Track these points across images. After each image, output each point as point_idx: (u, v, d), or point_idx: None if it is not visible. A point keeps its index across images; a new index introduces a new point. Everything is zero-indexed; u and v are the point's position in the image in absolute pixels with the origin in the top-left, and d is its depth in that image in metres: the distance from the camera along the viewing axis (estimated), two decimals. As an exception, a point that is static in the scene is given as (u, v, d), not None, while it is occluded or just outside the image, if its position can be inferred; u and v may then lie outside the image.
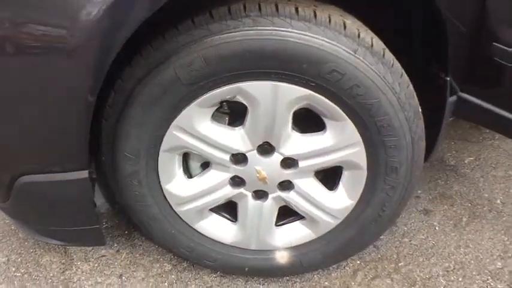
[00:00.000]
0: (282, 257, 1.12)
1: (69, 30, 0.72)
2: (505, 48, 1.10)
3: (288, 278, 1.20)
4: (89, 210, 0.93)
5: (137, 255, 1.22)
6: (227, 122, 0.98)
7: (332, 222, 1.07)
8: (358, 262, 1.26)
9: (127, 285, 1.15)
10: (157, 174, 0.99)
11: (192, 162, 1.04)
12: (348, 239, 1.09)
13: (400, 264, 1.27)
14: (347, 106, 0.89)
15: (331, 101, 0.89)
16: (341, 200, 1.04)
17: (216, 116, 0.97)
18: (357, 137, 0.93)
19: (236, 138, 0.95)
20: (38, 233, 1.01)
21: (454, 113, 1.26)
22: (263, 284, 1.18)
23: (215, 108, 0.93)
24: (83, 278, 1.16)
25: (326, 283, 1.20)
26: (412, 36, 1.11)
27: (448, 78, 1.09)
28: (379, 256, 1.29)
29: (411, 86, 0.91)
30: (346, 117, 0.91)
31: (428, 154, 1.22)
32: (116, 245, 1.24)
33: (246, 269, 1.13)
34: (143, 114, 0.90)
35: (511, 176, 1.65)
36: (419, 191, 1.54)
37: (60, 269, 1.18)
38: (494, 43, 1.10)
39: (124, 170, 0.98)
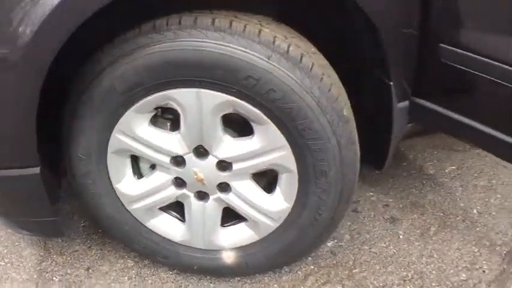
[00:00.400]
0: (228, 257, 1.14)
1: (9, 47, 0.82)
2: (453, 48, 1.06)
3: (239, 278, 1.21)
4: (43, 204, 1.01)
5: (106, 252, 1.30)
6: (169, 127, 1.04)
7: (271, 225, 1.08)
8: (312, 267, 1.25)
9: (92, 277, 1.23)
10: (108, 174, 1.06)
11: (142, 164, 1.11)
12: (288, 242, 1.10)
13: (354, 271, 1.24)
14: (268, 110, 0.92)
15: (253, 105, 0.92)
16: (278, 202, 1.06)
17: (160, 122, 1.03)
18: (282, 140, 0.95)
19: (174, 141, 1.01)
20: (8, 224, 1.11)
21: (412, 119, 1.23)
22: (214, 283, 1.20)
23: (153, 113, 1.00)
24: (56, 269, 1.26)
25: (275, 285, 1.20)
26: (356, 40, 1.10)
27: (391, 83, 1.07)
28: (335, 262, 1.26)
29: (334, 89, 0.93)
30: (269, 121, 0.93)
31: (384, 161, 1.21)
32: (88, 241, 1.33)
33: (195, 267, 1.17)
34: (90, 120, 0.99)
35: (494, 185, 1.56)
36: (389, 200, 1.50)
37: (38, 260, 1.28)
38: (440, 44, 1.08)
39: (79, 169, 1.06)
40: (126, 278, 1.23)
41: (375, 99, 1.15)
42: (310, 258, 1.28)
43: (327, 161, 0.97)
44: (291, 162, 0.98)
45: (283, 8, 1.03)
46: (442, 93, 1.16)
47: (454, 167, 1.65)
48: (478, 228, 1.42)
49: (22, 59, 0.82)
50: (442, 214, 1.47)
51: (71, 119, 1.01)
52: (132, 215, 1.13)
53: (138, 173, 1.11)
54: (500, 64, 1.01)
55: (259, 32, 0.87)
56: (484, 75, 1.05)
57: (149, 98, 0.95)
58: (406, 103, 1.17)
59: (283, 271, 1.24)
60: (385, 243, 1.34)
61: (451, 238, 1.38)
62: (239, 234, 1.13)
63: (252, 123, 0.96)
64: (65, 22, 0.81)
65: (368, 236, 1.37)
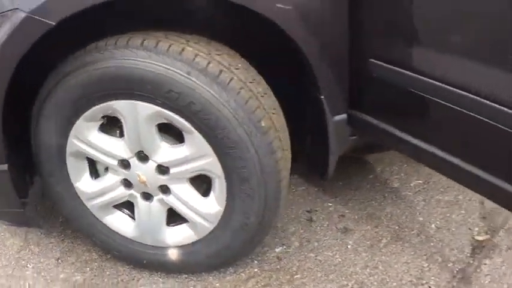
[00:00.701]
0: (172, 254, 1.25)
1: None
2: (381, 63, 1.11)
3: (186, 276, 1.31)
4: (11, 197, 1.17)
5: (76, 245, 1.45)
6: (118, 134, 1.17)
7: (208, 226, 1.18)
8: (256, 270, 1.33)
9: (59, 267, 1.38)
10: (68, 174, 1.21)
11: (98, 165, 1.24)
12: (224, 243, 1.19)
13: (295, 276, 1.30)
14: (192, 121, 1.03)
15: (179, 116, 1.04)
16: (212, 205, 1.15)
17: (110, 129, 1.16)
18: (207, 148, 1.06)
19: (119, 147, 1.15)
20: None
21: (354, 132, 1.27)
22: (163, 278, 1.31)
23: (101, 121, 1.13)
24: (31, 258, 1.43)
25: (218, 284, 1.28)
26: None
27: (322, 97, 1.14)
28: (278, 267, 1.33)
29: (252, 102, 1.03)
30: (195, 130, 1.04)
31: (326, 171, 1.26)
32: (62, 235, 1.49)
33: (144, 261, 1.28)
34: (49, 125, 1.15)
35: (460, 201, 1.56)
36: (346, 211, 1.54)
37: (18, 249, 1.46)
38: (370, 59, 1.13)
39: (44, 169, 1.22)
40: (88, 268, 1.37)
41: (312, 112, 1.22)
42: (256, 261, 1.36)
43: (248, 169, 1.06)
44: (217, 169, 1.09)
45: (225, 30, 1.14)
46: (376, 106, 1.21)
47: (420, 181, 1.66)
48: (432, 243, 1.43)
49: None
50: (397, 227, 1.49)
51: (36, 123, 1.17)
52: (90, 211, 1.27)
53: (95, 174, 1.26)
54: (424, 78, 1.05)
55: (182, 50, 0.99)
56: (411, 89, 1.09)
57: (95, 108, 1.09)
58: (343, 116, 1.23)
59: (228, 271, 1.33)
60: (332, 252, 1.39)
61: (401, 251, 1.40)
62: (182, 234, 1.24)
63: (183, 132, 1.08)
64: (17, 44, 0.98)
65: (317, 244, 1.42)
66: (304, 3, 1.03)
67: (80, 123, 1.13)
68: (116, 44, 1.02)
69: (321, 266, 1.35)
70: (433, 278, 1.33)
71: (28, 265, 1.40)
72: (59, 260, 1.42)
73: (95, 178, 1.24)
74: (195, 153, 1.08)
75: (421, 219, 1.52)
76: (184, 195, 1.17)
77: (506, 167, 1.04)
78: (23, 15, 0.94)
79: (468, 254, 1.41)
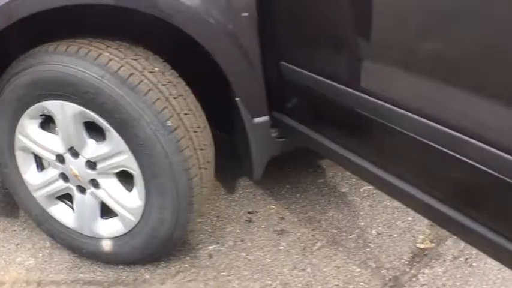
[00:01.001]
0: (106, 245, 1.36)
1: None
2: (291, 66, 1.17)
3: (121, 266, 1.42)
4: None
5: (34, 233, 1.60)
6: (55, 131, 1.30)
7: (133, 220, 1.29)
8: (186, 265, 1.41)
9: (18, 251, 1.54)
10: (17, 166, 1.36)
11: (43, 159, 1.38)
12: (147, 237, 1.30)
13: (222, 273, 1.37)
14: (108, 119, 1.15)
15: (98, 115, 1.16)
16: (135, 200, 1.26)
17: (49, 127, 1.30)
18: (123, 145, 1.17)
19: (56, 143, 1.28)
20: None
21: (281, 134, 1.32)
22: (101, 267, 1.43)
23: (41, 119, 1.27)
24: (-2, 243, 1.59)
25: (148, 276, 1.38)
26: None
27: (238, 99, 1.20)
28: (208, 264, 1.40)
29: (159, 103, 1.13)
30: (111, 128, 1.16)
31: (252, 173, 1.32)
32: (25, 224, 1.65)
33: (83, 250, 1.40)
34: (1, 121, 1.29)
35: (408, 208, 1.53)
36: (287, 213, 1.59)
37: (-10, 235, 1.64)
38: (281, 62, 1.18)
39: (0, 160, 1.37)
40: (40, 254, 1.51)
41: (234, 114, 1.29)
42: (188, 257, 1.44)
43: (158, 165, 1.16)
44: (134, 165, 1.19)
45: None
46: (293, 109, 1.26)
47: (370, 187, 1.66)
48: (368, 249, 1.44)
49: None
50: (335, 231, 1.51)
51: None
52: (37, 201, 1.41)
53: (41, 166, 1.40)
54: (327, 81, 1.10)
55: (98, 55, 1.12)
56: (318, 91, 1.14)
57: (33, 107, 1.24)
58: (265, 118, 1.29)
59: (160, 265, 1.42)
60: (263, 252, 1.44)
61: (334, 255, 1.43)
62: (113, 226, 1.35)
63: (104, 130, 1.19)
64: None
65: (250, 244, 1.48)
66: (206, 6, 1.11)
67: (24, 120, 1.28)
68: (46, 51, 1.17)
69: (249, 265, 1.41)
70: (361, 284, 1.34)
71: (-10, 249, 1.60)
72: (18, 246, 1.57)
73: (41, 171, 1.40)
74: (113, 149, 1.20)
75: (362, 224, 1.54)
76: (112, 190, 1.29)
77: (423, 176, 1.06)
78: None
79: (406, 262, 1.41)
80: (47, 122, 1.32)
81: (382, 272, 1.38)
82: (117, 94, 1.11)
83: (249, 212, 1.63)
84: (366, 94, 1.04)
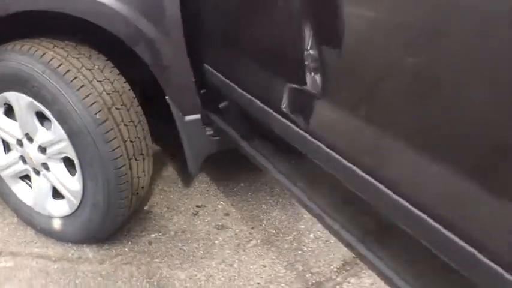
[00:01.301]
0: (56, 224, 1.53)
1: None
2: (211, 69, 1.28)
3: (69, 245, 1.59)
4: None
5: (6, 210, 1.78)
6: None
7: (75, 202, 1.46)
8: (126, 249, 1.57)
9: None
10: None
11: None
12: (85, 219, 1.47)
13: (155, 260, 1.51)
14: (50, 110, 1.34)
15: (42, 105, 1.34)
16: (76, 184, 1.44)
17: (13, 115, 1.50)
18: (62, 133, 1.34)
19: (16, 128, 1.47)
20: None
21: (216, 132, 1.43)
22: (53, 243, 1.60)
23: (4, 107, 1.47)
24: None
25: (91, 255, 1.55)
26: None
27: (167, 97, 1.33)
28: (146, 250, 1.55)
29: (89, 98, 1.29)
30: (53, 118, 1.33)
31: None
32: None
33: (38, 227, 1.58)
34: None
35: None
36: (233, 210, 1.69)
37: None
38: (204, 64, 1.29)
39: None
40: (7, 229, 1.72)
41: (168, 111, 1.42)
42: (130, 242, 1.60)
43: (88, 154, 1.32)
44: (72, 152, 1.37)
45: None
46: (218, 109, 1.36)
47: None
48: (300, 252, 1.52)
49: None
50: (273, 231, 1.60)
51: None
52: (4, 180, 1.62)
53: (8, 149, 1.61)
54: (237, 88, 1.20)
55: (43, 54, 1.31)
56: (231, 97, 1.24)
57: (-3, 96, 1.45)
58: (197, 116, 1.40)
59: (104, 247, 1.58)
60: (198, 244, 1.57)
61: (264, 254, 1.51)
62: (62, 207, 1.53)
63: (50, 119, 1.36)
64: None
65: (189, 235, 1.60)
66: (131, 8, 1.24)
67: (-10, 107, 1.50)
68: (6, 49, 1.38)
69: (182, 255, 1.54)
70: (283, 285, 1.42)
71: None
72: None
73: (6, 153, 1.61)
74: (56, 137, 1.38)
75: (302, 227, 1.61)
76: (59, 173, 1.47)
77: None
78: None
79: (334, 269, 1.47)
80: (10, 110, 1.53)
81: (307, 275, 1.45)
82: (54, 88, 1.29)
83: (197, 206, 1.76)
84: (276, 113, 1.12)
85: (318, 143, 0.99)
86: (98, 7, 1.26)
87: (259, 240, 1.59)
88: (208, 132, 1.48)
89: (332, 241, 1.58)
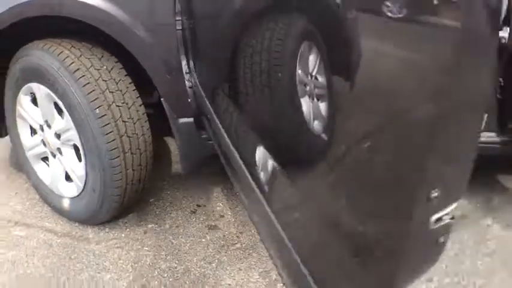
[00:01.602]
0: (65, 203, 1.73)
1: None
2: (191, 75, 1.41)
3: (77, 224, 1.80)
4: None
5: (31, 186, 2.04)
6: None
7: (80, 185, 1.66)
8: (122, 235, 1.75)
9: (13, 198, 2.02)
10: (18, 130, 1.82)
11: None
12: (85, 203, 1.67)
13: (145, 248, 1.68)
14: (62, 101, 1.54)
15: (57, 97, 1.54)
16: (81, 169, 1.62)
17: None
18: (71, 123, 1.52)
19: (39, 115, 1.69)
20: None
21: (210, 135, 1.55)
22: (62, 221, 1.83)
23: (31, 96, 1.69)
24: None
25: (91, 236, 1.75)
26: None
27: (162, 99, 1.46)
28: (139, 238, 1.73)
29: (93, 94, 1.48)
30: (64, 109, 1.52)
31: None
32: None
33: (52, 205, 1.81)
34: (7, 94, 1.77)
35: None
36: (229, 213, 1.79)
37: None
38: (193, 72, 1.42)
39: (7, 124, 1.85)
40: (28, 203, 1.97)
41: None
42: (128, 229, 1.77)
43: (88, 144, 1.50)
44: (77, 140, 1.56)
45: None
46: (203, 114, 1.46)
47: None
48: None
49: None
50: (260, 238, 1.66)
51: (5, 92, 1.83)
52: (28, 159, 1.86)
53: (34, 132, 1.84)
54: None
55: (60, 52, 1.51)
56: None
57: (24, 86, 1.71)
58: (190, 119, 1.52)
59: (105, 230, 1.77)
60: (186, 240, 1.73)
61: (244, 258, 1.64)
62: (71, 189, 1.74)
63: (63, 109, 1.56)
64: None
65: (182, 231, 1.75)
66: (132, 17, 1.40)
67: (21, 95, 1.75)
68: (32, 46, 1.62)
69: (169, 247, 1.67)
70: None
71: None
72: (16, 193, 2.05)
73: (32, 136, 1.84)
74: (67, 125, 1.60)
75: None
76: (69, 158, 1.68)
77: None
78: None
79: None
80: (35, 99, 1.77)
81: (278, 285, 1.51)
82: (65, 83, 1.50)
83: (197, 205, 1.90)
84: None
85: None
86: (109, 18, 1.44)
87: (243, 244, 1.68)
88: (203, 136, 1.61)
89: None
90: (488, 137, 1.51)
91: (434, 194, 0.51)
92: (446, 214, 0.52)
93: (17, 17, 1.54)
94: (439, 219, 0.53)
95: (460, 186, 0.57)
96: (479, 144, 0.63)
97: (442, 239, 0.60)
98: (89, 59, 1.54)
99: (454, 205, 0.53)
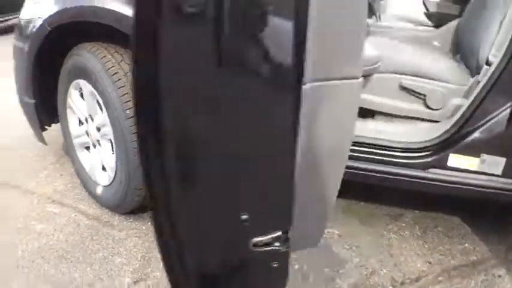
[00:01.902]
0: (99, 190, 1.96)
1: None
2: None
3: (107, 210, 2.03)
4: (35, 124, 2.14)
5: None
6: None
7: (111, 175, 1.88)
8: (143, 227, 1.96)
9: (59, 179, 2.33)
10: (67, 119, 2.09)
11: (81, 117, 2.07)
12: (114, 192, 1.88)
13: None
14: (102, 99, 1.75)
15: (98, 95, 1.74)
16: (113, 161, 1.84)
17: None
18: (107, 119, 1.72)
19: (85, 108, 1.93)
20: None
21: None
22: (95, 205, 2.07)
23: (81, 90, 1.93)
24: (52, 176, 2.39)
25: (115, 222, 1.96)
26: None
27: None
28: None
29: (126, 96, 1.68)
30: (103, 106, 1.72)
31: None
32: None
33: (88, 189, 2.05)
34: (60, 87, 2.04)
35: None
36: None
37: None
38: None
39: (59, 114, 2.12)
40: (70, 185, 2.26)
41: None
42: (149, 222, 1.92)
43: (118, 140, 1.69)
44: (111, 136, 1.74)
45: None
46: None
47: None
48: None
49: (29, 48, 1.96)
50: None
51: (58, 85, 2.10)
52: (74, 147, 2.12)
53: (80, 123, 2.10)
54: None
55: (104, 56, 1.71)
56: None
57: (74, 81, 1.96)
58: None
59: (130, 219, 2.00)
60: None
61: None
62: (105, 177, 1.97)
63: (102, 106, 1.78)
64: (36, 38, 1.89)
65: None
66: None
67: (71, 89, 2.02)
68: (82, 47, 1.87)
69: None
70: None
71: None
72: (61, 176, 2.35)
73: (79, 126, 2.10)
74: (104, 121, 1.82)
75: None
76: (105, 150, 1.91)
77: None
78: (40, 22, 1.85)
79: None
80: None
81: None
82: (104, 84, 1.72)
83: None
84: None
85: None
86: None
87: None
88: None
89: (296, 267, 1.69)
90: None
91: (244, 216, 0.57)
92: (271, 241, 0.58)
93: (67, 19, 1.78)
94: (265, 245, 0.59)
95: (274, 217, 0.62)
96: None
97: (275, 265, 0.67)
98: (128, 64, 1.75)
99: (276, 233, 0.59)
